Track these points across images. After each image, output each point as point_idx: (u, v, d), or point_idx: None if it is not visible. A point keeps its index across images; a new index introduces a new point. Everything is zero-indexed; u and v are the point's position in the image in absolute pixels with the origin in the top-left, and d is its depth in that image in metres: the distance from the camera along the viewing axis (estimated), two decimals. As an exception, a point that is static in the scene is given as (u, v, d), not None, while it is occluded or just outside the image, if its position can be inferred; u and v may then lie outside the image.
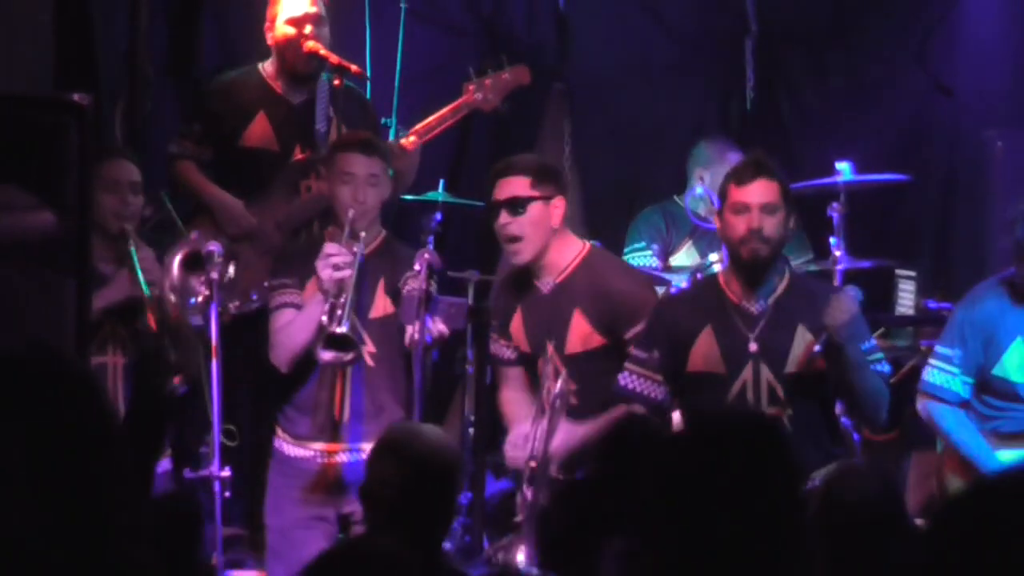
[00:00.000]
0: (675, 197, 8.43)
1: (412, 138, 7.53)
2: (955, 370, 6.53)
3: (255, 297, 7.09)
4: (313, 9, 7.55)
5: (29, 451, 3.09)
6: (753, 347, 6.17)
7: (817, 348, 6.05)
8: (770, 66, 9.19)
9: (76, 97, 5.64)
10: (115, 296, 6.48)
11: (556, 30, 9.22)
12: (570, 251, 6.55)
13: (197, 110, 7.75)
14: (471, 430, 7.50)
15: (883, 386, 6.24)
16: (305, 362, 6.67)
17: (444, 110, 7.63)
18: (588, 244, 6.65)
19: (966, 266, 8.28)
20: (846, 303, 6.05)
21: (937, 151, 8.89)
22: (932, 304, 7.67)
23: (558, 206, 6.47)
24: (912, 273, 8.19)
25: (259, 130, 7.58)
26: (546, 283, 6.51)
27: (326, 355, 6.44)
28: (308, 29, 7.50)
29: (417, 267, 6.47)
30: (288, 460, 6.77)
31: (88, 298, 5.70)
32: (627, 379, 6.26)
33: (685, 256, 8.17)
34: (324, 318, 6.46)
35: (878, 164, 7.94)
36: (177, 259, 6.48)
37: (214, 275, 6.40)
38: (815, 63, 9.22)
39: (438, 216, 7.05)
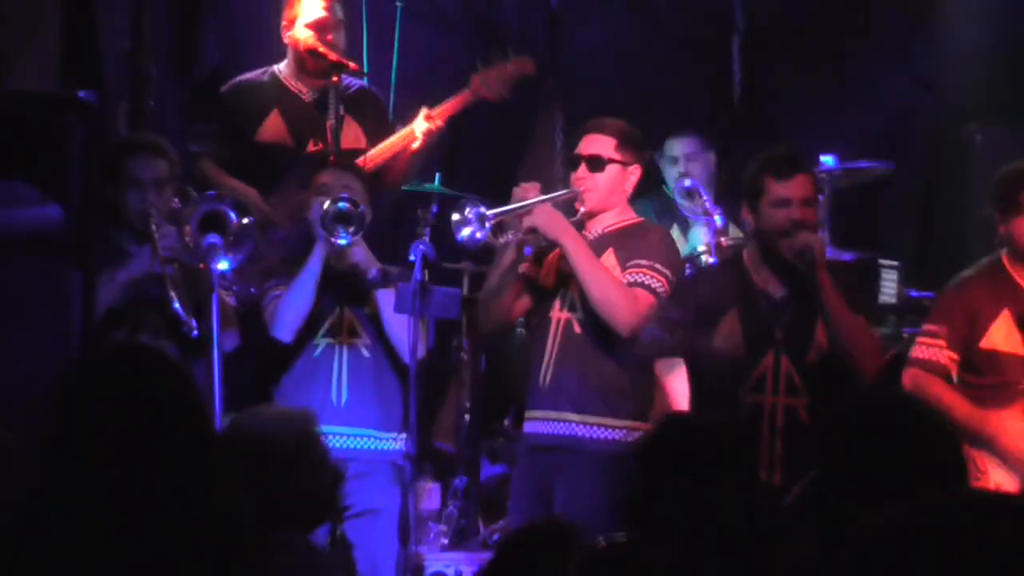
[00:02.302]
0: (664, 188, 8.46)
1: (438, 121, 7.65)
2: (941, 344, 6.60)
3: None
4: (326, 14, 7.65)
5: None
6: (779, 335, 6.24)
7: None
8: (756, 63, 9.20)
9: (81, 95, 5.65)
10: (137, 270, 6.51)
11: (548, 27, 9.24)
12: (626, 217, 6.60)
13: (214, 111, 7.79)
14: (466, 416, 7.52)
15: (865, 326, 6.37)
16: (304, 351, 6.70)
17: (455, 99, 7.69)
18: (642, 219, 6.72)
19: (946, 256, 8.29)
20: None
21: (918, 145, 8.91)
22: (914, 293, 7.70)
23: (634, 172, 6.55)
24: (895, 263, 8.20)
25: (273, 126, 7.68)
26: (593, 231, 6.54)
27: (340, 240, 6.58)
28: (329, 35, 7.59)
29: (412, 258, 6.51)
30: None
31: (93, 288, 5.71)
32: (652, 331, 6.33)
33: (674, 245, 8.19)
34: (328, 217, 6.58)
35: (860, 157, 7.95)
36: (196, 218, 6.51)
37: (216, 239, 6.45)
38: (799, 60, 9.23)
39: (435, 208, 7.09)
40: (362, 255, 6.69)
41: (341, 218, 6.60)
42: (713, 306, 6.30)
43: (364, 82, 7.80)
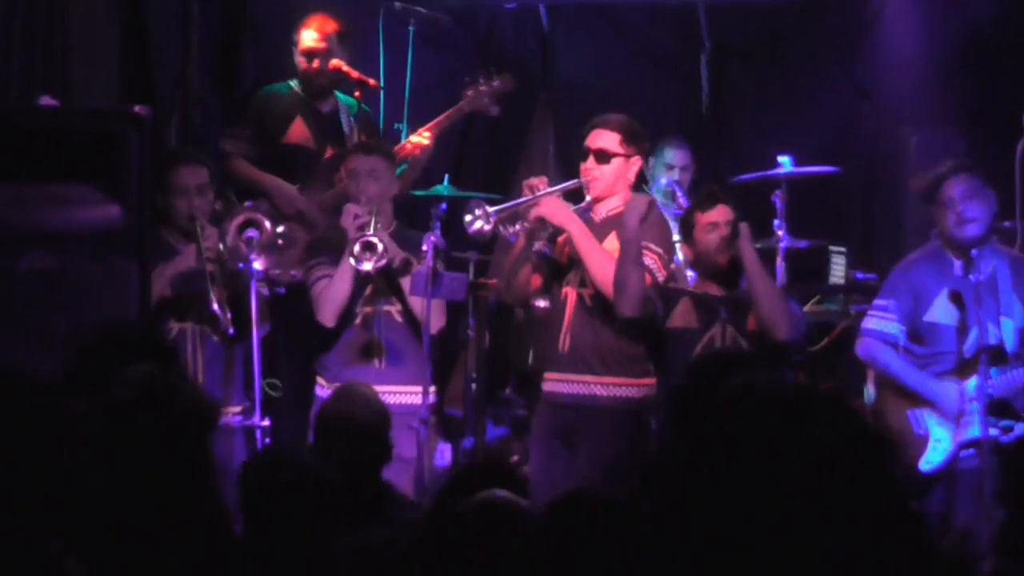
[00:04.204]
0: (643, 186, 8.43)
1: (427, 134, 7.62)
2: (891, 316, 6.61)
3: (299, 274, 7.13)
4: (320, 44, 7.63)
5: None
6: (723, 314, 6.39)
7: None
8: (721, 77, 9.19)
9: (137, 109, 5.64)
10: (182, 265, 6.51)
11: (541, 48, 9.23)
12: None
13: (245, 115, 7.77)
14: (473, 385, 7.51)
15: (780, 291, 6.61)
16: (342, 321, 6.71)
17: (449, 112, 7.71)
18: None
19: (887, 242, 8.29)
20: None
21: (861, 146, 8.89)
22: (859, 275, 7.68)
23: (636, 163, 6.53)
24: (843, 249, 8.20)
25: (298, 132, 7.66)
26: (599, 215, 6.53)
27: (364, 265, 6.53)
28: (315, 62, 7.61)
29: (425, 248, 6.53)
30: None
31: (149, 279, 5.71)
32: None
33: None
34: (356, 247, 6.54)
35: (812, 158, 7.94)
36: (234, 223, 6.51)
37: (253, 233, 6.45)
38: (757, 73, 9.21)
39: (443, 206, 7.09)
40: (391, 250, 6.68)
41: (368, 247, 6.59)
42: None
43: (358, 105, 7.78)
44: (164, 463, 3.03)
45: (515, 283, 6.58)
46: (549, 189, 6.44)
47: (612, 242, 6.39)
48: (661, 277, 6.40)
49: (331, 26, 7.67)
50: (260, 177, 7.54)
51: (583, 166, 6.51)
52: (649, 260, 6.36)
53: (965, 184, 6.54)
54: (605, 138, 6.48)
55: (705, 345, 6.33)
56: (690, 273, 7.00)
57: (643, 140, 6.57)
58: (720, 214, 6.44)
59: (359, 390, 5.56)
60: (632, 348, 6.41)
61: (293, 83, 7.72)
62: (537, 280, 6.58)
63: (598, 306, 6.38)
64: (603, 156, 6.47)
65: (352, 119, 7.63)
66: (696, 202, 6.66)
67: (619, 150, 6.47)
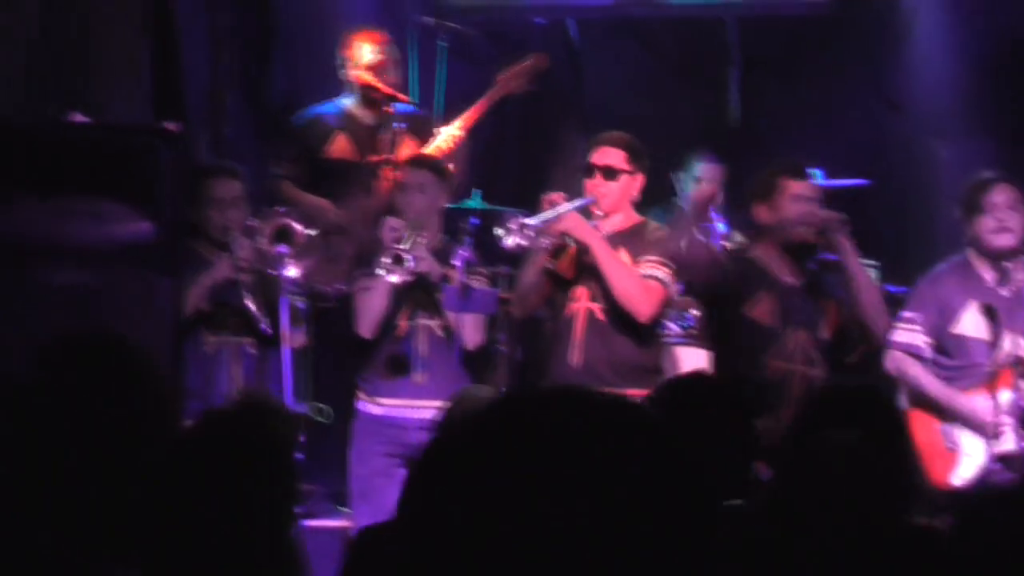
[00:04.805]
0: (674, 199, 8.44)
1: (459, 123, 7.69)
2: (918, 328, 6.60)
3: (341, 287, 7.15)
4: (381, 57, 7.67)
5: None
6: (796, 315, 6.46)
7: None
8: (750, 89, 9.17)
9: (169, 125, 5.66)
10: (217, 275, 6.53)
11: (570, 63, 9.22)
12: (631, 218, 6.65)
13: (290, 138, 7.79)
14: (504, 400, 7.49)
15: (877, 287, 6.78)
16: (383, 333, 6.71)
17: (481, 100, 7.74)
18: (644, 219, 6.74)
19: (918, 256, 8.23)
20: None
21: (892, 159, 8.86)
22: (892, 288, 7.64)
23: (639, 180, 6.58)
24: (874, 263, 8.16)
25: (340, 145, 7.69)
26: (604, 231, 6.55)
27: (392, 277, 6.55)
28: (385, 74, 7.66)
29: (456, 262, 6.54)
30: (369, 417, 6.80)
31: (180, 293, 5.72)
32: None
33: (681, 247, 8.16)
34: (386, 259, 6.56)
35: (843, 171, 7.92)
36: (268, 229, 6.53)
37: (284, 249, 6.47)
38: (787, 86, 9.19)
39: (474, 220, 7.09)
40: (427, 265, 6.69)
41: (397, 260, 6.61)
42: (742, 285, 6.46)
43: (415, 108, 7.82)
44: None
45: (530, 299, 6.61)
46: (568, 204, 6.48)
47: (623, 257, 6.48)
48: (674, 290, 6.53)
49: (385, 39, 7.73)
50: (300, 198, 7.60)
51: (589, 183, 6.56)
52: (663, 272, 6.43)
53: (1009, 193, 6.54)
54: (611, 155, 6.54)
55: (780, 355, 6.36)
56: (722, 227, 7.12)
57: (646, 157, 6.63)
58: (810, 188, 6.53)
59: (477, 392, 5.53)
60: (646, 359, 6.49)
61: (345, 101, 7.73)
62: (545, 296, 6.62)
63: (611, 319, 6.43)
64: (610, 173, 6.52)
65: (398, 127, 7.64)
66: (783, 167, 6.63)
67: (625, 167, 6.53)
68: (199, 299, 6.45)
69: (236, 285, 6.46)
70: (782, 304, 6.43)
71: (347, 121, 7.74)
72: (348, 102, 7.77)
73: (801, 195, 6.47)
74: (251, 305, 6.38)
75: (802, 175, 6.55)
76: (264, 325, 6.44)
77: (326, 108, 7.81)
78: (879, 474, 3.46)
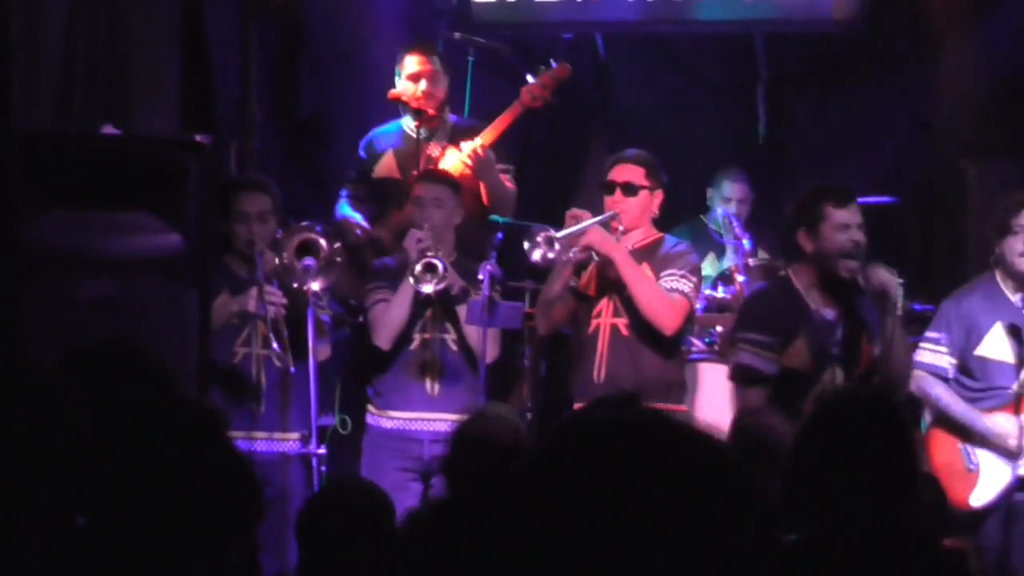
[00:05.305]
0: (700, 216, 8.46)
1: (480, 145, 7.55)
2: (942, 350, 6.56)
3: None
4: (422, 67, 7.62)
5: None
6: (835, 352, 6.12)
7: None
8: (778, 106, 9.17)
9: (198, 138, 5.68)
10: (247, 306, 6.51)
11: (597, 78, 9.24)
12: (650, 234, 6.65)
13: (355, 160, 7.80)
14: (528, 414, 7.52)
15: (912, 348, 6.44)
16: (397, 346, 6.73)
17: (505, 113, 7.70)
18: (662, 235, 6.72)
19: (945, 274, 8.23)
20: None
21: (919, 177, 8.85)
22: (917, 306, 7.62)
23: (658, 197, 6.61)
24: (900, 280, 8.14)
25: (386, 164, 7.67)
26: (624, 246, 6.56)
27: (424, 287, 6.60)
28: (423, 84, 7.59)
29: (481, 277, 6.56)
30: (380, 431, 6.82)
31: (209, 306, 5.74)
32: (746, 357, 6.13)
33: (708, 266, 8.16)
34: (417, 268, 6.62)
35: (870, 188, 7.90)
36: (292, 243, 6.55)
37: (310, 262, 6.49)
38: (815, 103, 9.19)
39: (499, 235, 7.10)
40: (451, 277, 6.72)
41: (430, 268, 6.64)
42: (782, 329, 6.08)
43: (459, 119, 7.81)
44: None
45: (554, 314, 6.60)
46: (592, 219, 6.49)
47: (645, 271, 6.49)
48: (697, 305, 6.61)
49: (428, 51, 7.74)
50: (344, 214, 7.65)
51: (609, 200, 6.59)
52: (687, 285, 6.44)
53: None
54: (630, 172, 6.58)
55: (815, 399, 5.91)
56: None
57: (663, 175, 6.65)
58: (854, 215, 6.09)
59: (497, 410, 5.51)
60: (670, 374, 6.49)
61: (402, 120, 7.73)
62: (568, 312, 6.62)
63: (636, 335, 6.45)
64: (630, 189, 6.56)
65: (446, 138, 7.63)
66: (824, 191, 6.14)
67: (644, 183, 6.57)
68: (229, 315, 6.48)
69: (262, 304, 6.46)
70: (818, 343, 6.07)
71: (400, 138, 7.74)
72: (405, 119, 7.76)
73: (844, 224, 6.03)
74: (275, 344, 6.40)
75: (846, 201, 6.06)
76: (284, 361, 6.46)
77: (385, 127, 7.81)
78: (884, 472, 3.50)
